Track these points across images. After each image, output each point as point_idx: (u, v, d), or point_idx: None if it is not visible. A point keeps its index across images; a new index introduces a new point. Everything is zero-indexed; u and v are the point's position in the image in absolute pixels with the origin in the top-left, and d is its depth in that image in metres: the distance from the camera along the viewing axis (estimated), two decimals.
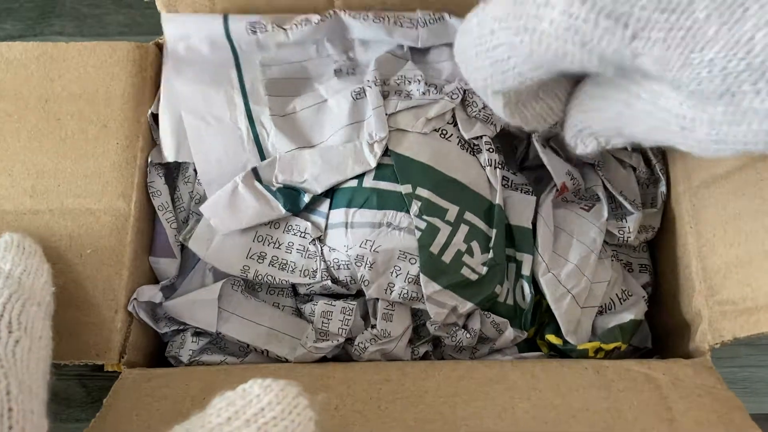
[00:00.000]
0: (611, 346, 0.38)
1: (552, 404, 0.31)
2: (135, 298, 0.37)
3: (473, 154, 0.40)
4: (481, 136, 0.39)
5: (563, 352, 0.39)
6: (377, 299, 0.38)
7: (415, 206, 0.37)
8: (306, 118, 0.41)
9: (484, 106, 0.40)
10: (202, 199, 0.40)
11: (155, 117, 0.41)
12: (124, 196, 0.38)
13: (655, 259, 0.43)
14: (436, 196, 0.38)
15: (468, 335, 0.38)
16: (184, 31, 0.41)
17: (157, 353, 0.40)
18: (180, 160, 0.40)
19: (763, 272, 0.31)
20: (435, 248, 0.37)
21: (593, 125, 0.31)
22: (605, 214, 0.41)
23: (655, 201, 0.42)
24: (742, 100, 0.23)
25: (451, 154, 0.39)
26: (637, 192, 0.42)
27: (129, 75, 0.40)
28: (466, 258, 0.38)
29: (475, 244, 0.38)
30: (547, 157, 0.39)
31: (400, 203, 0.37)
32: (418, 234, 0.37)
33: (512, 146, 0.44)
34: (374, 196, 0.38)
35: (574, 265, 0.39)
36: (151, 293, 0.38)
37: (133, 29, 0.55)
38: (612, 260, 0.41)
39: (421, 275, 0.37)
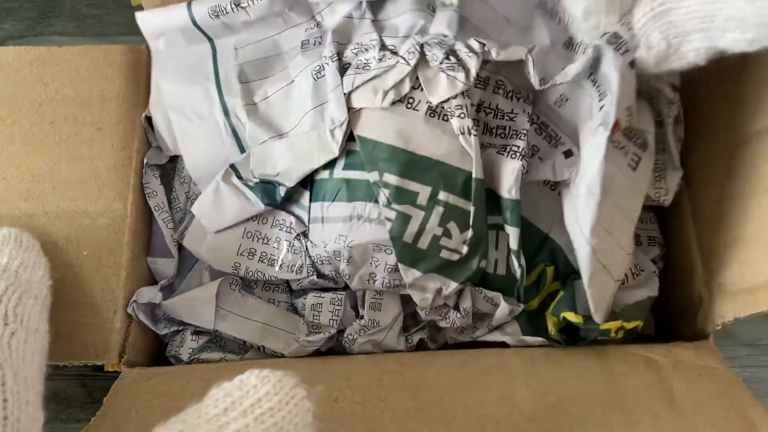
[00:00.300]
0: (632, 324, 0.35)
1: (552, 389, 0.31)
2: (135, 300, 0.37)
3: (446, 119, 0.35)
4: (448, 99, 0.35)
5: (579, 332, 0.36)
6: (365, 289, 0.38)
7: (383, 195, 0.35)
8: (276, 105, 0.39)
9: (447, 56, 0.35)
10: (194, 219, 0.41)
11: (149, 119, 0.41)
12: (120, 197, 0.38)
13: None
14: (405, 180, 0.35)
15: (459, 315, 0.37)
16: (158, 26, 0.40)
17: (157, 353, 0.40)
18: (180, 154, 0.40)
19: (760, 251, 0.31)
20: (408, 237, 0.35)
21: (679, 7, 0.25)
22: (650, 174, 0.36)
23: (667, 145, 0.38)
24: None
25: (417, 128, 0.35)
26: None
27: (123, 78, 0.41)
28: (444, 241, 0.36)
29: (452, 225, 0.36)
30: (620, 74, 0.31)
31: (370, 193, 0.36)
32: (388, 225, 0.35)
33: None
34: (344, 187, 0.36)
35: (615, 239, 0.34)
36: (151, 294, 0.38)
37: (133, 29, 0.54)
38: None
39: (399, 264, 0.36)
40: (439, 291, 0.36)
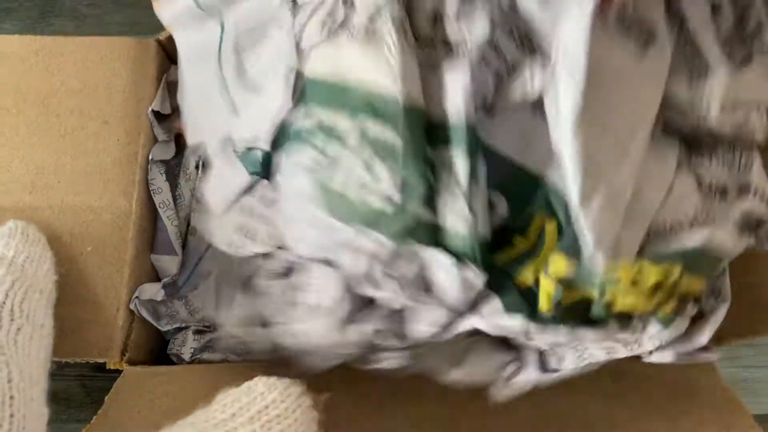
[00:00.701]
0: (659, 269, 0.26)
1: (552, 403, 0.31)
2: (137, 297, 0.37)
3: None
4: (379, 12, 0.29)
5: (572, 286, 0.27)
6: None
7: (312, 138, 0.30)
8: (261, 70, 0.35)
9: None
10: (203, 197, 0.40)
11: (156, 113, 0.41)
12: (125, 193, 0.38)
13: None
14: (334, 117, 0.30)
15: (395, 285, 0.30)
16: (171, 15, 0.39)
17: (159, 350, 0.40)
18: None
19: (762, 268, 0.31)
20: (335, 185, 0.30)
21: None
22: (668, 59, 0.27)
23: (749, 55, 0.28)
24: None
25: (352, 56, 0.30)
26: (724, 35, 0.29)
27: (129, 71, 0.40)
28: (371, 185, 0.29)
29: (382, 166, 0.29)
30: None
31: (313, 140, 0.31)
32: (318, 171, 0.30)
33: None
34: (298, 140, 0.32)
35: (615, 140, 0.26)
36: (153, 291, 0.38)
37: (133, 29, 0.55)
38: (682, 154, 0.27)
39: (327, 218, 0.30)
40: (374, 255, 0.30)
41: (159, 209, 0.40)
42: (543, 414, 0.30)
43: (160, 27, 0.42)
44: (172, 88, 0.42)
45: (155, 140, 0.41)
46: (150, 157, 0.40)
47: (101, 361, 0.34)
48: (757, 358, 0.47)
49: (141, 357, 0.37)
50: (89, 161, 0.38)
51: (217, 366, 0.35)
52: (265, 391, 0.24)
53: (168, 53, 0.44)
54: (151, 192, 0.39)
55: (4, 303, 0.28)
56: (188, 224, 0.40)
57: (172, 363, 0.39)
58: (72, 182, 0.37)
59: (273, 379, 0.24)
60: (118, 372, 0.35)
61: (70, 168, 0.38)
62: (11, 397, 0.24)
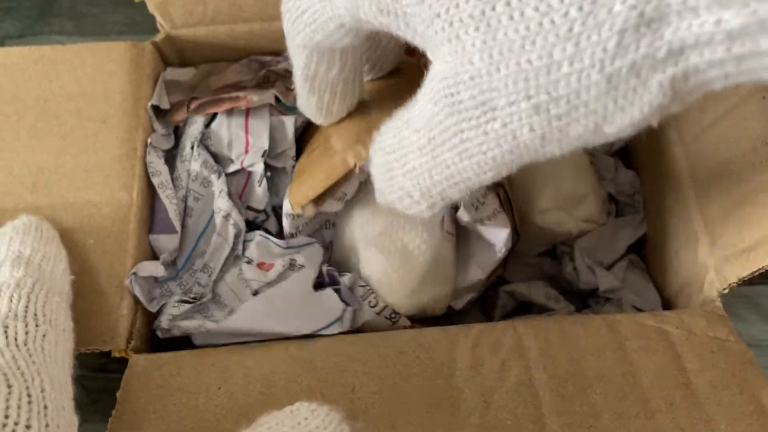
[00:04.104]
0: None
1: (568, 372, 0.27)
2: (134, 273, 0.32)
3: None
4: None
5: None
6: None
7: None
8: None
9: None
10: (198, 176, 0.37)
11: (155, 108, 0.37)
12: (125, 187, 0.34)
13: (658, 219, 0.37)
14: None
15: None
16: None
17: (163, 338, 0.36)
18: None
19: (755, 207, 0.28)
20: None
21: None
22: None
23: None
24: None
25: None
26: None
27: (126, 73, 0.37)
28: None
29: None
30: None
31: None
32: None
33: None
34: None
35: None
36: (152, 268, 0.33)
37: (132, 28, 0.51)
38: None
39: None
40: None
41: (158, 189, 0.36)
42: (559, 387, 0.27)
43: (157, 27, 0.39)
44: (169, 87, 0.39)
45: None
46: (149, 142, 0.36)
47: (106, 350, 0.30)
48: (757, 358, 0.43)
49: (146, 346, 0.33)
50: (89, 159, 0.35)
51: (225, 349, 0.30)
52: (309, 417, 0.21)
53: (163, 55, 0.41)
54: (150, 174, 0.35)
55: (27, 308, 0.24)
56: (185, 206, 0.36)
57: (171, 347, 0.33)
58: (72, 180, 0.34)
59: (314, 405, 0.21)
60: (119, 372, 0.30)
61: (70, 167, 0.34)
62: (45, 407, 0.20)
